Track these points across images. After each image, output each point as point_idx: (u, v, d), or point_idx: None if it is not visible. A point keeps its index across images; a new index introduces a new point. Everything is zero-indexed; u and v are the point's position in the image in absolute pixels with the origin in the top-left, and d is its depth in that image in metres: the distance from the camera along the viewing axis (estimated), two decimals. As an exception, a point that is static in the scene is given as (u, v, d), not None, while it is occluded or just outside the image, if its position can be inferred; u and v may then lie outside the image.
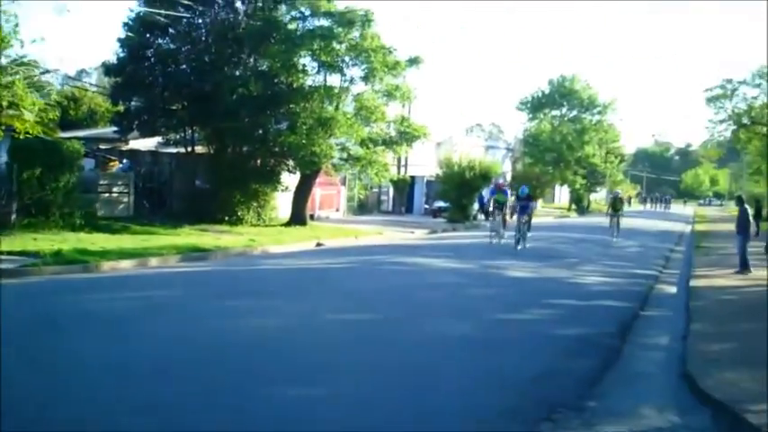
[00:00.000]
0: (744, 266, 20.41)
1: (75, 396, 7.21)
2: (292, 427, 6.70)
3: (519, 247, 25.44)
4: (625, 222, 36.21)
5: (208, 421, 6.73)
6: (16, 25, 20.15)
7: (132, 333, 10.17)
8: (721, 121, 64.45)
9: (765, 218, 34.59)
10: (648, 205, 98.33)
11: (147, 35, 31.22)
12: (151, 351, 9.22)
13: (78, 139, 27.44)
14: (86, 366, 8.34)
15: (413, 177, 49.20)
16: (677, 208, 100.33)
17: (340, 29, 29.94)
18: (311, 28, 30.72)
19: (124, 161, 33.81)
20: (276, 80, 30.63)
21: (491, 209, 29.13)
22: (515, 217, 27.36)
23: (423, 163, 48.74)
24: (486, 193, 38.99)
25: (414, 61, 31.73)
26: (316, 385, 8.01)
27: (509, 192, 28.37)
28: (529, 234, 26.75)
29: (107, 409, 6.89)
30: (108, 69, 32.76)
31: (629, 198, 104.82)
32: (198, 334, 10.38)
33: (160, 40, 31.76)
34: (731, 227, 23.76)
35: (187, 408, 7.05)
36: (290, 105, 30.27)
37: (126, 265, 17.89)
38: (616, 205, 34.47)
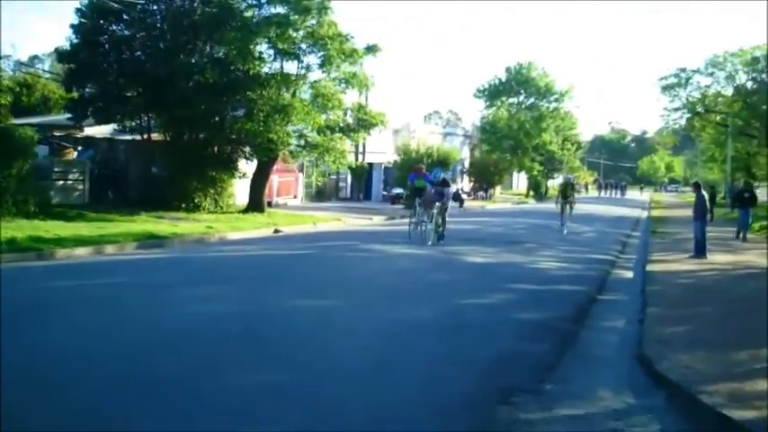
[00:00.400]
0: (700, 251, 20.57)
1: (21, 389, 7.00)
2: (245, 420, 6.51)
3: (429, 242, 22.16)
4: (581, 208, 36.30)
5: (157, 412, 6.58)
6: (-35, 10, 19.81)
7: (82, 322, 10.01)
8: (676, 110, 65.76)
9: (723, 204, 35.11)
10: (604, 191, 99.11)
11: (101, 21, 30.88)
12: (102, 340, 9.02)
13: (31, 125, 27.03)
14: (36, 356, 8.19)
15: (371, 164, 49.19)
16: (634, 194, 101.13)
17: (296, 16, 29.83)
18: (267, 15, 30.53)
19: (79, 148, 33.29)
20: (232, 67, 30.31)
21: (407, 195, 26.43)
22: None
23: (381, 150, 48.81)
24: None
25: (371, 49, 31.75)
26: (271, 372, 7.89)
27: (430, 176, 25.44)
28: (447, 227, 23.48)
29: (53, 400, 6.75)
30: (61, 56, 32.31)
31: (587, 184, 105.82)
32: (152, 322, 10.23)
33: (114, 27, 31.41)
34: (687, 212, 24.05)
35: (139, 397, 6.92)
36: (247, 92, 30.08)
37: (82, 252, 17.72)
38: (566, 192, 30.75)
